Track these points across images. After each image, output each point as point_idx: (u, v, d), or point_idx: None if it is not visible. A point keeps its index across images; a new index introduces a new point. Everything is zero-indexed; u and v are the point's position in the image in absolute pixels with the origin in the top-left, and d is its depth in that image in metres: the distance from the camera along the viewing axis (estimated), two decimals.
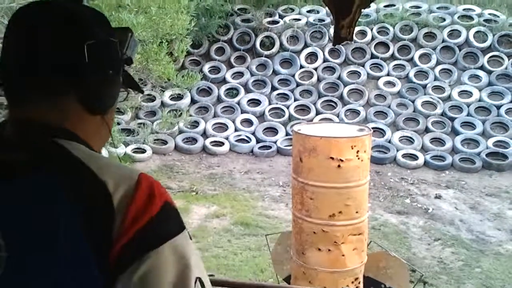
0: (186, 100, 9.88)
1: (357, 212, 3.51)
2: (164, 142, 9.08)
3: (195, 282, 0.83)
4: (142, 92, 1.31)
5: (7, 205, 0.82)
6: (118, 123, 8.76)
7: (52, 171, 0.83)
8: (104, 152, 8.12)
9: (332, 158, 3.40)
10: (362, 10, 1.50)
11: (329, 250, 3.51)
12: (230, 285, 1.49)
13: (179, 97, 9.90)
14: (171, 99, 9.83)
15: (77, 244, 0.79)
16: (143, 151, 8.72)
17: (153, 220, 0.82)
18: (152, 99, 9.77)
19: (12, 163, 0.84)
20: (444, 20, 10.58)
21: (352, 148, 3.42)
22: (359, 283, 3.64)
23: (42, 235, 0.80)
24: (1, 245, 0.79)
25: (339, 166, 3.40)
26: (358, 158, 3.44)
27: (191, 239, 0.88)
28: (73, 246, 0.79)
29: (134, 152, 8.64)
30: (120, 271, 0.79)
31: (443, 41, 10.38)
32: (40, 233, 0.80)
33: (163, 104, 9.69)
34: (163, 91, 9.48)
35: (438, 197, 7.44)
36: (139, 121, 9.36)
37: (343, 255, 3.51)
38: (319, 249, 3.54)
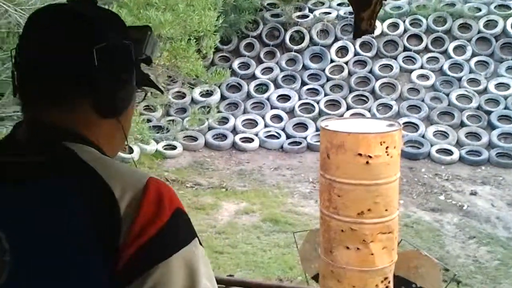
0: (216, 97, 9.90)
1: (386, 210, 3.41)
2: (194, 139, 9.14)
3: None
4: (162, 92, 1.29)
5: (13, 208, 0.82)
6: (149, 120, 8.87)
7: (60, 175, 0.82)
8: (136, 150, 8.25)
9: (360, 155, 3.31)
10: (384, 1, 1.44)
11: (357, 248, 3.43)
12: (247, 285, 1.46)
13: (208, 93, 9.94)
14: (201, 96, 9.87)
15: (86, 250, 0.78)
16: (174, 147, 8.80)
17: (162, 231, 0.80)
18: (182, 96, 9.84)
19: (21, 166, 0.84)
20: (480, 10, 10.25)
21: (381, 144, 3.32)
22: (388, 282, 3.54)
23: (50, 239, 0.79)
24: (5, 249, 0.79)
25: (367, 162, 3.31)
26: (388, 155, 3.34)
27: (201, 244, 0.86)
28: (82, 252, 0.78)
29: (165, 149, 8.73)
30: (127, 281, 0.78)
31: (479, 32, 10.06)
32: (47, 237, 0.79)
33: (193, 101, 9.75)
34: (193, 88, 9.53)
35: (473, 193, 7.22)
36: (170, 118, 9.45)
37: (372, 254, 3.42)
38: (348, 248, 3.46)
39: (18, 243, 0.79)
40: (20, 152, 0.86)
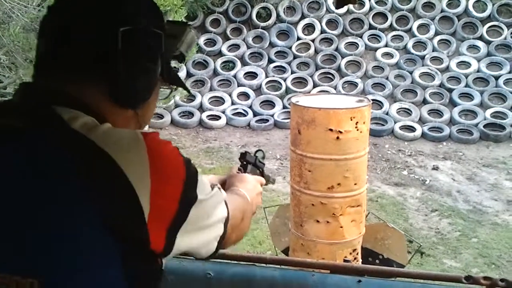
0: (182, 74, 9.75)
1: (355, 184, 3.49)
2: (161, 116, 9.02)
3: (213, 188, 0.90)
4: (189, 92, 1.27)
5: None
6: None
7: (50, 140, 0.78)
8: None
9: (331, 130, 3.36)
10: None
11: (327, 222, 3.51)
12: (229, 257, 1.47)
13: (174, 70, 9.76)
14: None
15: (87, 224, 0.73)
16: None
17: (184, 194, 0.80)
18: None
19: (5, 128, 0.80)
20: None
21: (351, 120, 3.37)
22: (357, 254, 3.65)
23: (39, 206, 0.74)
24: None
25: (338, 138, 3.36)
26: (357, 130, 3.40)
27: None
28: (80, 226, 0.74)
29: None
30: (164, 255, 0.81)
31: (442, 11, 10.24)
32: (36, 203, 0.74)
33: None
34: None
35: (435, 168, 7.45)
36: None
37: (341, 227, 3.50)
38: (318, 221, 3.53)
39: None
40: (7, 114, 0.82)
